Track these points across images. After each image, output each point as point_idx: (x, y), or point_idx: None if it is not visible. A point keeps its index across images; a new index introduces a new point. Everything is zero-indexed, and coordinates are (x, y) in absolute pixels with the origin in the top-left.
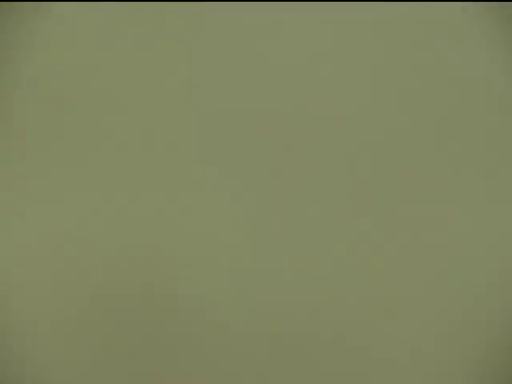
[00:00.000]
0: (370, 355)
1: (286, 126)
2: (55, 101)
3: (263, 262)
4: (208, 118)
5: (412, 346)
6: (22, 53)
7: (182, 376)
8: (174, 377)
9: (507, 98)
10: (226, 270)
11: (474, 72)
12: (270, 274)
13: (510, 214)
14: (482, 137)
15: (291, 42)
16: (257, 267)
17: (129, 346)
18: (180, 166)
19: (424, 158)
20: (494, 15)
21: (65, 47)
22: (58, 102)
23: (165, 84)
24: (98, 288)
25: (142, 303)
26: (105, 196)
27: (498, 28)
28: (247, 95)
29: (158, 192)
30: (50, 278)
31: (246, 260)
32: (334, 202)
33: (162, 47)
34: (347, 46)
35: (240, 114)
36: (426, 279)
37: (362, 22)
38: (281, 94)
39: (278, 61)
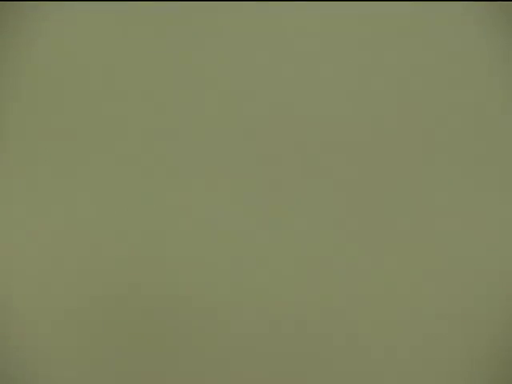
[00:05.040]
0: (369, 355)
1: (286, 127)
2: (55, 102)
3: (264, 263)
4: (209, 119)
5: (411, 345)
6: (22, 53)
7: (183, 377)
8: (175, 378)
9: (507, 98)
10: (226, 271)
11: (473, 72)
12: (272, 275)
13: (511, 213)
14: (482, 137)
15: (290, 41)
16: (257, 269)
17: (129, 347)
18: (181, 169)
19: (424, 158)
20: (494, 15)
21: (65, 47)
22: (58, 104)
23: (166, 85)
24: (97, 288)
25: (142, 304)
26: (105, 197)
27: (498, 28)
28: (247, 97)
29: (157, 194)
30: (50, 279)
31: (246, 261)
32: (334, 202)
33: (163, 48)
34: (347, 46)
35: (240, 116)
36: (426, 279)
37: (362, 21)
38: (280, 95)
39: (277, 61)
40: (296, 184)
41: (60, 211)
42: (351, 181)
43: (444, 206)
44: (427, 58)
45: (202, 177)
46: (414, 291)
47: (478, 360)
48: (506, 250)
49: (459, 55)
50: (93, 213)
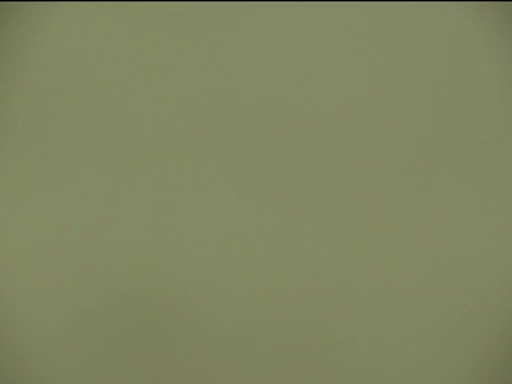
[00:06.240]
0: (368, 356)
1: (287, 126)
2: (56, 102)
3: (265, 265)
4: (209, 118)
5: (411, 347)
6: (22, 53)
7: (183, 379)
8: (175, 380)
9: (507, 98)
10: (227, 274)
11: (473, 72)
12: (273, 277)
13: (511, 215)
14: (483, 138)
15: (290, 39)
16: (258, 270)
17: (130, 349)
18: (183, 169)
19: (425, 160)
20: (494, 15)
21: (65, 47)
22: (59, 103)
23: (166, 85)
24: (98, 290)
25: (144, 306)
26: (105, 198)
27: (498, 28)
28: (248, 95)
29: (158, 195)
30: (50, 279)
31: (248, 263)
32: (336, 202)
33: (163, 47)
34: (346, 46)
35: (241, 115)
36: (426, 281)
37: (361, 21)
38: (281, 93)
39: (277, 59)
40: (297, 185)
41: (62, 212)
42: (351, 181)
43: (445, 206)
44: (426, 58)
45: (203, 177)
46: (414, 291)
47: (479, 361)
48: (506, 251)
49: (459, 55)
50: (95, 214)
